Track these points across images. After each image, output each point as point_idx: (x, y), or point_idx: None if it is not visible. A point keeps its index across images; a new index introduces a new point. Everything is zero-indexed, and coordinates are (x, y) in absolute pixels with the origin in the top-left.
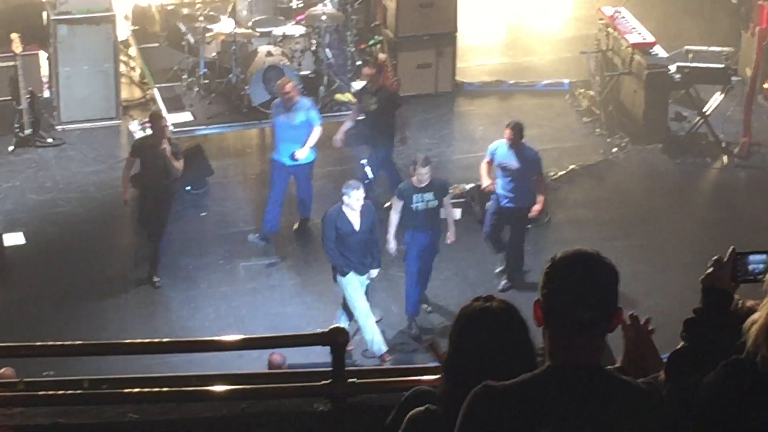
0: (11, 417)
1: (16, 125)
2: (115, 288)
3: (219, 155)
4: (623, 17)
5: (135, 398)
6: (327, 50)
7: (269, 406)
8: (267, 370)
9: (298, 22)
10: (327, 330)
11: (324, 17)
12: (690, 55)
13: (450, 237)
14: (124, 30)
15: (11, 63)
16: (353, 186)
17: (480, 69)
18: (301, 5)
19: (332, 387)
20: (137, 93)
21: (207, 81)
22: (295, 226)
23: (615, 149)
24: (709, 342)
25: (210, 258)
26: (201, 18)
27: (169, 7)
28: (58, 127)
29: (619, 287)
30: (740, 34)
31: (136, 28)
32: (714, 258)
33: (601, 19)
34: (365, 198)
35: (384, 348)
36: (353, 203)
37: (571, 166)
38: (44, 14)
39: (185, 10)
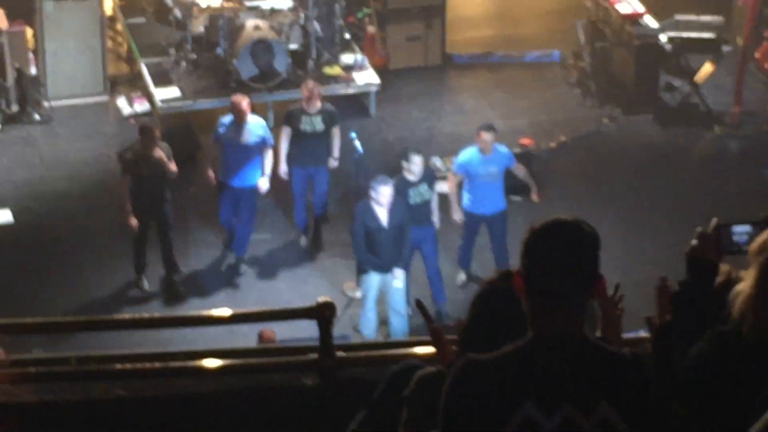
0: None
1: (3, 102)
2: (103, 265)
3: (207, 130)
4: None
5: (123, 374)
6: (315, 23)
7: (258, 381)
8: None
9: None
10: (314, 304)
11: None
12: (680, 25)
13: (456, 217)
14: (109, 4)
15: None
16: (381, 181)
17: (470, 41)
18: None
19: (320, 361)
20: (125, 68)
21: (195, 56)
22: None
23: (606, 120)
24: (695, 314)
25: (199, 233)
26: None
27: None
28: (46, 104)
29: (598, 254)
30: (731, 2)
31: (123, 2)
32: (698, 230)
33: None
34: (390, 189)
35: (372, 335)
36: (380, 198)
37: (563, 138)
38: None
39: None
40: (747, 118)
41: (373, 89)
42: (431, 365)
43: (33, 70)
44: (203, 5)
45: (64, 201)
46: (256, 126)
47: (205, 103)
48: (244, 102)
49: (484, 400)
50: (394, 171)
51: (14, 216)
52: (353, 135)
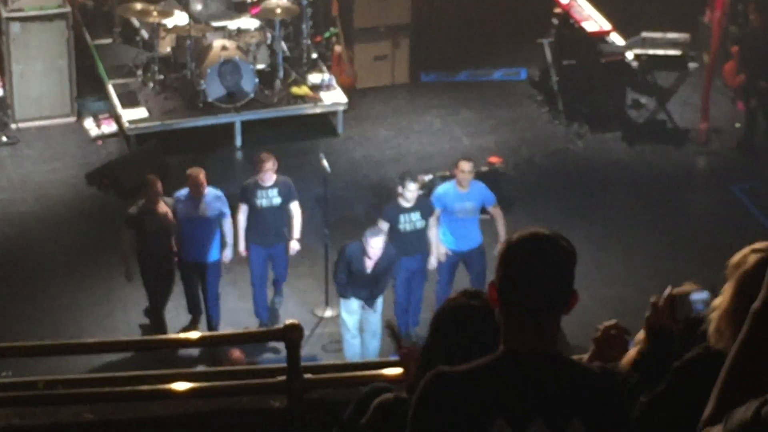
0: None
1: None
2: (72, 287)
3: (175, 151)
4: (579, 5)
5: (91, 398)
6: (282, 43)
7: (226, 404)
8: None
9: (252, 16)
10: (281, 326)
11: (278, 10)
12: (647, 42)
13: (432, 261)
14: None
15: None
16: (373, 233)
17: (437, 60)
18: None
19: (288, 383)
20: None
21: (162, 76)
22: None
23: (574, 138)
24: (658, 375)
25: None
26: (155, 13)
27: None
28: (13, 126)
29: (574, 269)
30: (697, 19)
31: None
32: (651, 299)
33: (557, 7)
34: (382, 242)
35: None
36: (371, 251)
37: (530, 156)
38: None
39: (138, 6)
40: (714, 135)
41: (341, 108)
42: (400, 386)
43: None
44: (170, 26)
45: (32, 222)
46: (213, 198)
47: (173, 124)
48: (201, 174)
49: (454, 414)
50: (360, 189)
51: None
52: (321, 155)
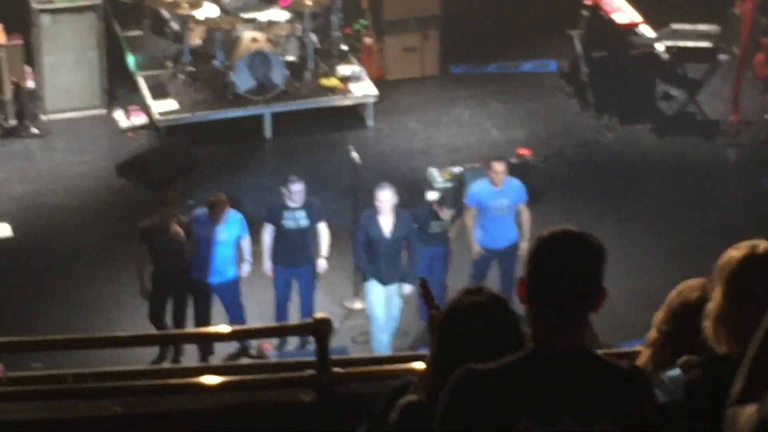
0: None
1: (1, 116)
2: (101, 279)
3: (204, 143)
4: None
5: (120, 392)
6: (312, 35)
7: (255, 398)
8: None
9: (282, 7)
10: (311, 320)
11: (309, 2)
12: (677, 34)
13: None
14: None
15: None
16: (380, 187)
17: (466, 51)
18: None
19: (318, 377)
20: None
21: (192, 68)
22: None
23: (603, 130)
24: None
25: None
26: (185, 5)
27: None
28: (43, 117)
29: (604, 267)
30: (727, 11)
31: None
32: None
33: None
34: (398, 205)
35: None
36: (380, 205)
37: (560, 148)
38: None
39: None
40: (744, 127)
41: (371, 100)
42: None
43: (30, 84)
44: (200, 18)
45: (62, 214)
46: (233, 221)
47: (202, 116)
48: (221, 197)
49: (482, 412)
50: (390, 181)
51: (13, 230)
52: (350, 147)
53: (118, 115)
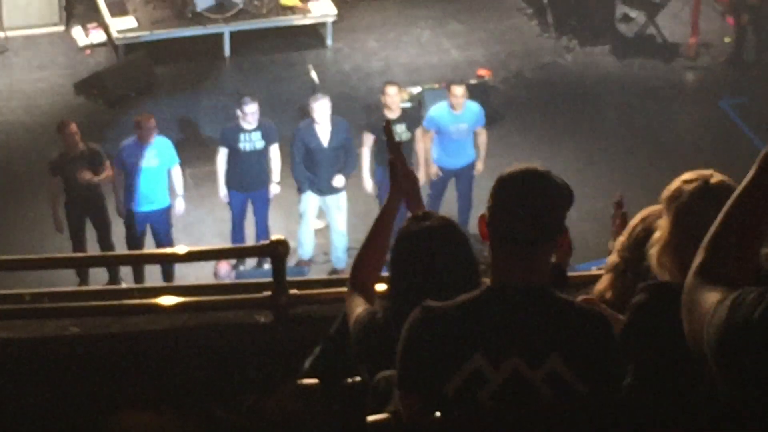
0: None
1: None
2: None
3: (164, 61)
4: None
5: (77, 312)
6: None
7: (211, 318)
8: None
9: None
10: (267, 241)
11: None
12: None
13: (421, 176)
14: None
15: None
16: (314, 98)
17: None
18: None
19: (274, 298)
20: None
21: None
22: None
23: (563, 51)
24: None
25: None
26: None
27: None
28: (0, 34)
29: (566, 207)
30: None
31: None
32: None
33: None
34: (337, 115)
35: (307, 256)
36: (316, 115)
37: (519, 69)
38: None
39: None
40: (704, 49)
41: (330, 19)
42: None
43: None
44: None
45: (20, 131)
46: (163, 146)
47: (162, 34)
48: (151, 121)
49: (437, 350)
50: (349, 100)
51: None
52: (309, 66)
53: (77, 32)
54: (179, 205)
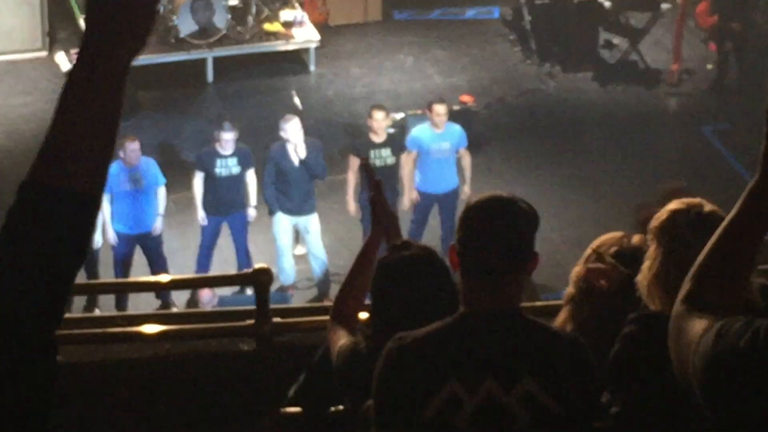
0: None
1: None
2: None
3: (146, 87)
4: None
5: (59, 340)
6: None
7: (194, 347)
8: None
9: None
10: (251, 270)
11: None
12: None
13: (405, 202)
14: None
15: None
16: (285, 119)
17: None
18: None
19: (257, 326)
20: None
21: None
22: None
23: (546, 77)
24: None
25: None
26: None
27: None
28: None
29: (535, 232)
30: None
31: None
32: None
33: None
34: (316, 139)
35: (288, 281)
36: (287, 135)
37: (502, 95)
38: None
39: None
40: (686, 76)
41: (313, 45)
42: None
43: None
44: None
45: (2, 156)
46: (148, 167)
47: (145, 59)
48: (135, 143)
49: (411, 379)
50: (331, 126)
51: None
52: (293, 92)
53: (60, 57)
54: (158, 224)
